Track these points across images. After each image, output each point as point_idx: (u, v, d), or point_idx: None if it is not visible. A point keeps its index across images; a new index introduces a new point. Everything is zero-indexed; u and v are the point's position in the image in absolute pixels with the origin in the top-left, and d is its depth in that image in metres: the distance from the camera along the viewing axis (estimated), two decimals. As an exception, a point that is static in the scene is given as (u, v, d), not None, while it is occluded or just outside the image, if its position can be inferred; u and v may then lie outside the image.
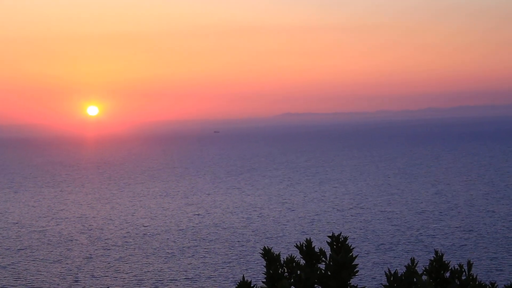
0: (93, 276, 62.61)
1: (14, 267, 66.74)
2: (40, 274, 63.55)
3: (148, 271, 63.62)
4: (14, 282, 60.64)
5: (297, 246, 5.63)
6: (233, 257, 68.29)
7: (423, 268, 6.50)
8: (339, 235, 5.74)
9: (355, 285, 5.79)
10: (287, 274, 5.60)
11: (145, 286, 58.43)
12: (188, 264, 66.17)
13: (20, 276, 62.88)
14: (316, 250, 5.78)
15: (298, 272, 5.56)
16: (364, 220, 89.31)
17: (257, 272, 59.94)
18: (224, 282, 58.87)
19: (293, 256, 5.70)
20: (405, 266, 6.04)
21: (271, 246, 5.87)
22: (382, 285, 5.26)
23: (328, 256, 5.69)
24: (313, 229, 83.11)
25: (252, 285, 5.38)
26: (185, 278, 60.52)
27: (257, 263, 64.78)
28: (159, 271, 63.44)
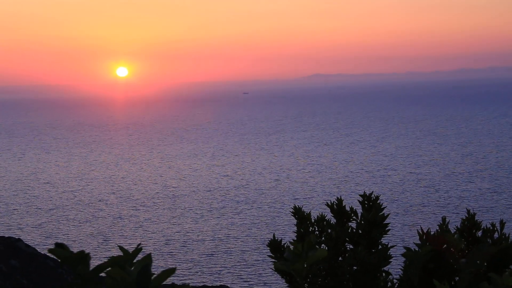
0: (122, 235, 63.43)
1: (45, 226, 67.84)
2: (71, 233, 64.54)
3: (177, 232, 64.26)
4: (45, 240, 61.68)
5: (327, 205, 5.54)
6: (262, 218, 68.65)
7: (455, 227, 6.37)
8: (371, 193, 5.63)
9: (386, 243, 5.70)
10: (317, 232, 5.52)
11: (173, 246, 59.08)
12: (216, 224, 66.68)
13: (51, 235, 63.93)
14: (347, 209, 5.69)
15: (329, 230, 5.48)
16: (393, 181, 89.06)
17: (285, 232, 60.22)
18: (252, 242, 59.28)
19: (324, 214, 5.62)
20: (437, 225, 5.93)
21: (301, 205, 5.79)
22: (414, 243, 5.14)
23: (359, 214, 5.60)
24: (342, 190, 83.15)
25: (282, 243, 5.32)
26: (213, 239, 61.05)
27: (286, 224, 65.06)
28: (187, 232, 64.05)
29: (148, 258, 2.43)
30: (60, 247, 2.43)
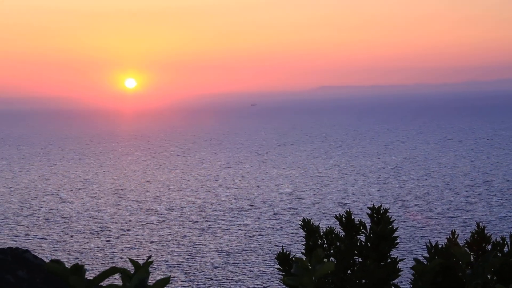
0: (129, 247, 63.41)
1: (52, 237, 67.88)
2: (78, 245, 64.55)
3: (184, 243, 64.20)
4: (52, 252, 61.71)
5: (336, 218, 5.52)
6: (269, 230, 68.54)
7: (464, 241, 6.33)
8: (380, 206, 5.61)
9: (395, 256, 5.67)
10: (326, 245, 5.50)
11: (180, 258, 59.00)
12: (223, 236, 66.59)
13: (59, 247, 63.96)
14: (356, 222, 5.68)
15: (338, 243, 5.46)
16: (400, 193, 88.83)
17: (293, 244, 60.08)
18: (260, 254, 59.16)
19: (333, 227, 5.61)
20: (446, 238, 5.90)
21: (309, 218, 5.78)
22: (423, 256, 5.12)
23: (368, 227, 5.58)
24: (349, 203, 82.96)
25: (291, 256, 5.31)
26: (220, 251, 60.95)
27: (293, 236, 64.93)
28: (194, 243, 63.97)
29: (146, 271, 2.42)
30: (55, 263, 2.45)
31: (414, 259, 4.07)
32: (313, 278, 2.58)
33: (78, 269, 2.43)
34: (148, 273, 2.41)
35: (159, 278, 2.46)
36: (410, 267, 4.76)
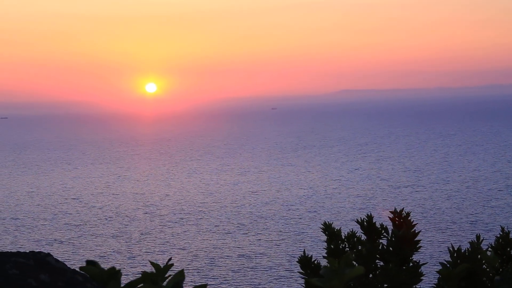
0: (149, 251, 63.58)
1: (73, 242, 68.26)
2: (98, 249, 64.85)
3: (203, 248, 64.27)
4: (73, 256, 62.05)
5: (358, 222, 5.49)
6: (289, 234, 68.43)
7: (488, 245, 6.27)
8: (402, 210, 5.57)
9: (417, 260, 5.62)
10: (348, 249, 5.47)
11: (200, 262, 59.07)
12: (243, 240, 66.58)
13: (79, 251, 64.30)
14: (377, 225, 5.64)
15: (360, 247, 5.43)
16: (422, 197, 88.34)
17: (313, 248, 59.92)
18: (279, 259, 59.08)
19: (354, 231, 5.57)
20: (469, 242, 5.84)
21: (330, 222, 5.75)
22: (445, 261, 5.07)
23: (389, 231, 5.54)
24: (369, 206, 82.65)
25: (313, 260, 5.28)
26: (240, 255, 60.95)
27: (313, 240, 64.77)
28: (214, 248, 64.02)
29: (181, 275, 2.41)
30: (91, 264, 2.43)
31: (441, 263, 4.03)
32: (343, 281, 2.56)
33: (116, 273, 2.42)
34: (183, 276, 2.40)
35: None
36: (434, 271, 4.71)
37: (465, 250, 5.67)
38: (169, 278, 2.38)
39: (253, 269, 56.21)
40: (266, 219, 76.85)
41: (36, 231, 73.73)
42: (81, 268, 2.43)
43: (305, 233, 68.49)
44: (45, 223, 77.66)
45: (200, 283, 2.52)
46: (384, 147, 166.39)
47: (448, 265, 4.35)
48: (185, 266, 57.39)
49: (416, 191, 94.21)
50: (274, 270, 55.55)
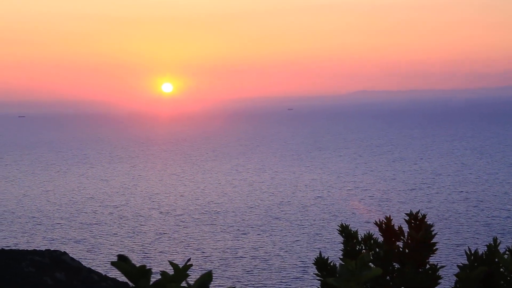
0: (163, 252, 63.71)
1: (88, 240, 68.53)
2: (113, 249, 65.06)
3: (218, 248, 64.32)
4: (88, 255, 62.29)
5: (376, 223, 5.46)
6: (304, 235, 68.33)
7: (505, 248, 6.19)
8: (418, 212, 5.53)
9: (435, 263, 5.58)
10: (364, 251, 5.44)
11: (215, 263, 59.12)
12: (258, 241, 66.56)
13: (94, 250, 64.53)
14: (395, 228, 5.60)
15: (377, 249, 5.40)
16: (437, 199, 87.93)
17: (327, 250, 59.80)
18: (294, 260, 59.01)
19: (371, 233, 5.54)
20: (486, 245, 5.79)
21: (347, 224, 5.72)
22: (462, 263, 5.02)
23: (406, 233, 5.51)
24: (384, 208, 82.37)
25: (329, 261, 5.26)
26: (254, 256, 60.92)
27: (328, 241, 64.63)
28: (228, 248, 64.05)
29: (208, 276, 2.40)
30: (122, 260, 2.42)
31: (458, 266, 4.00)
32: (359, 282, 2.54)
33: (146, 272, 2.42)
34: (211, 278, 2.39)
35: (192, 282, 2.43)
36: (451, 274, 4.67)
37: (483, 253, 5.63)
38: (197, 279, 2.37)
39: (268, 270, 56.16)
40: (281, 220, 76.78)
41: (52, 229, 74.11)
42: (112, 263, 2.43)
43: (320, 235, 68.36)
44: (61, 222, 78.04)
45: (214, 284, 2.51)
46: (400, 149, 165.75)
47: (465, 268, 4.32)
48: (200, 266, 57.44)
49: (432, 193, 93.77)
50: (289, 272, 55.47)
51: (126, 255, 2.50)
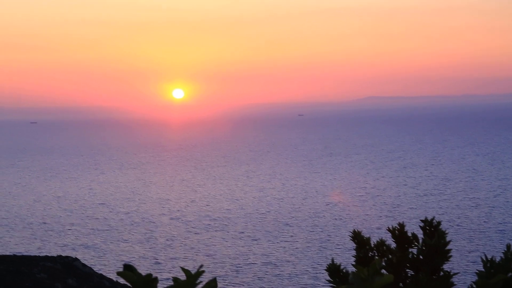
0: (173, 258, 63.71)
1: (99, 246, 68.62)
2: (124, 254, 65.13)
3: (229, 254, 64.25)
4: (100, 261, 62.37)
5: (389, 230, 5.40)
6: (315, 241, 68.17)
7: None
8: (432, 219, 5.47)
9: (449, 270, 5.52)
10: (377, 257, 5.39)
11: (226, 269, 59.05)
12: (269, 247, 66.45)
13: (106, 256, 64.61)
14: (408, 234, 5.55)
15: (390, 255, 5.34)
16: (449, 206, 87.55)
17: (338, 256, 59.62)
18: (305, 266, 58.86)
19: (384, 239, 5.49)
20: (502, 252, 5.72)
21: (360, 230, 5.67)
22: (477, 270, 4.95)
23: (420, 240, 5.45)
24: (396, 214, 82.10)
25: (341, 268, 5.21)
26: (265, 262, 60.82)
27: (339, 247, 64.45)
28: (239, 255, 63.97)
29: (214, 282, 2.37)
30: (128, 269, 2.39)
31: (477, 273, 3.94)
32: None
33: (152, 280, 2.39)
34: (216, 284, 2.35)
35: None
36: (464, 281, 4.61)
37: (500, 260, 5.56)
38: (201, 285, 2.33)
39: (279, 277, 56.04)
40: (292, 226, 76.65)
41: (63, 235, 74.27)
42: (118, 273, 2.40)
43: (331, 241, 68.17)
44: (72, 228, 78.21)
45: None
46: (411, 155, 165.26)
47: (483, 275, 4.26)
48: (211, 272, 57.39)
49: (444, 199, 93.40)
50: (300, 278, 55.34)
51: (132, 264, 2.48)
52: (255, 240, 69.96)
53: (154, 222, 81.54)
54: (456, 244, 64.72)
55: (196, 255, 64.45)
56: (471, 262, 56.18)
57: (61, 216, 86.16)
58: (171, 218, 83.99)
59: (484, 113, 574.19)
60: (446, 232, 5.77)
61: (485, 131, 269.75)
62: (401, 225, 5.37)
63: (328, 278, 5.38)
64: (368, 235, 5.71)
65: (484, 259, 5.76)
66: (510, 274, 5.72)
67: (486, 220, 76.94)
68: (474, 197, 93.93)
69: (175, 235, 73.54)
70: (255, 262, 60.95)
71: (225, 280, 55.40)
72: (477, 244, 65.12)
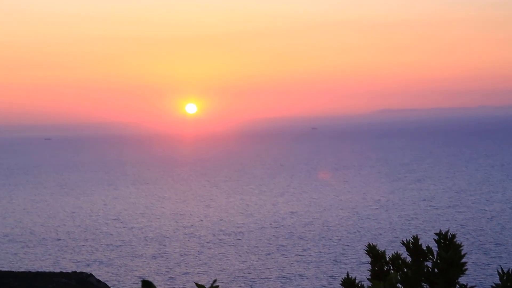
0: (187, 273, 63.62)
1: (113, 262, 68.65)
2: (138, 270, 65.12)
3: (243, 269, 64.10)
4: (113, 276, 62.37)
5: (403, 243, 5.37)
6: (329, 255, 67.89)
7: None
8: (447, 232, 5.44)
9: (465, 283, 5.47)
10: (392, 271, 5.36)
11: (239, 283, 58.89)
12: (283, 262, 66.26)
13: (120, 271, 64.61)
14: (423, 247, 5.51)
15: (405, 269, 5.31)
16: (464, 218, 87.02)
17: (353, 270, 59.33)
18: (320, 280, 58.60)
19: (399, 253, 5.45)
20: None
21: (375, 243, 5.64)
22: (494, 283, 4.92)
23: (435, 253, 5.41)
24: (411, 228, 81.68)
25: (357, 282, 5.18)
26: (279, 276, 60.61)
27: (354, 261, 64.14)
28: (253, 269, 63.81)
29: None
30: (146, 285, 2.39)
31: (493, 286, 3.90)
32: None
33: None
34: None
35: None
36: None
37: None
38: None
39: (293, 291, 55.78)
40: (306, 240, 76.41)
41: (78, 251, 74.39)
42: None
43: (346, 255, 67.88)
44: (86, 244, 78.33)
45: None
46: (425, 167, 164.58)
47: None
48: (225, 287, 57.26)
49: (458, 211, 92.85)
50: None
51: (150, 280, 2.47)
52: (269, 254, 69.78)
53: (167, 237, 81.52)
54: (472, 257, 64.25)
55: (210, 269, 64.34)
56: (488, 275, 55.73)
57: (75, 232, 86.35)
58: (185, 233, 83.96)
59: (500, 124, 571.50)
60: (462, 244, 5.72)
61: (501, 142, 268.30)
62: (415, 238, 5.34)
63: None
64: (383, 249, 5.68)
65: (501, 272, 5.71)
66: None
67: (502, 233, 76.36)
68: (489, 210, 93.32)
69: (188, 250, 73.48)
70: (269, 276, 60.75)
71: (240, 294, 55.20)
72: (493, 257, 64.62)
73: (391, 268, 5.29)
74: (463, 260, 5.64)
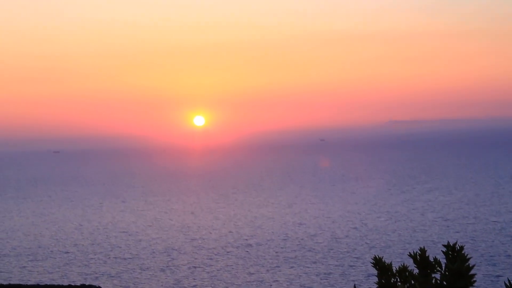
0: (196, 285, 63.52)
1: (122, 275, 68.60)
2: (147, 282, 65.05)
3: (251, 281, 63.95)
4: (123, 289, 62.30)
5: (410, 255, 5.37)
6: (337, 268, 67.68)
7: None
8: (455, 244, 5.44)
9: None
10: (399, 283, 5.36)
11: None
12: (291, 274, 66.07)
13: (128, 284, 64.54)
14: (430, 259, 5.51)
15: (412, 281, 5.31)
16: (473, 230, 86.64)
17: (361, 282, 59.13)
18: (328, 292, 58.35)
19: (406, 265, 5.45)
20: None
21: (381, 256, 5.64)
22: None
23: (443, 265, 5.41)
24: (419, 239, 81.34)
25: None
26: (289, 288, 60.40)
27: (363, 273, 63.91)
28: (262, 281, 63.65)
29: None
30: None
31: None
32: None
33: None
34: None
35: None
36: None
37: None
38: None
39: (302, 303, 55.56)
40: (314, 252, 76.20)
41: (86, 264, 74.39)
42: None
43: (354, 267, 67.65)
44: (95, 257, 78.33)
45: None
46: (434, 179, 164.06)
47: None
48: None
49: (468, 223, 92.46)
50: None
51: None
52: (277, 266, 69.61)
53: (176, 250, 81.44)
54: (481, 268, 63.92)
55: (218, 282, 64.22)
56: (496, 287, 55.40)
57: (83, 245, 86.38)
58: (193, 246, 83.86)
59: (509, 135, 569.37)
60: (469, 256, 5.71)
61: (510, 153, 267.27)
62: (422, 250, 5.34)
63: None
64: (390, 261, 5.68)
65: (508, 284, 5.70)
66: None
67: (511, 245, 75.96)
68: (498, 221, 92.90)
69: (197, 263, 73.37)
70: (278, 288, 60.56)
71: (248, 307, 55.02)
72: (503, 269, 64.27)
73: (398, 280, 5.29)
74: (472, 272, 5.63)
